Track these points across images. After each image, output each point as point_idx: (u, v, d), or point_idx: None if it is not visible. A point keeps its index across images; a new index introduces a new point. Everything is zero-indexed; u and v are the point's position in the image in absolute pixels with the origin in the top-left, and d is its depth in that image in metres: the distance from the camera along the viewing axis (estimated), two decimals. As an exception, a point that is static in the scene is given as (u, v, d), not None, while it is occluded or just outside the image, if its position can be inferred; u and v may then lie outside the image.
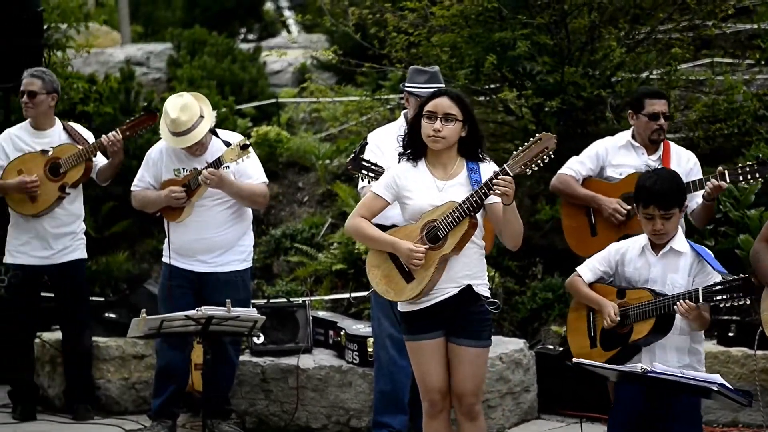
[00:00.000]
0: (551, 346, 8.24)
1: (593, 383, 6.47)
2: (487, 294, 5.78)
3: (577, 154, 7.56)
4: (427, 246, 5.65)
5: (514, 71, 9.07)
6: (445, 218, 5.62)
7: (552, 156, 5.51)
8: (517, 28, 8.75)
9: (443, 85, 7.03)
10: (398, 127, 7.24)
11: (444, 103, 5.70)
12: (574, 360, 5.76)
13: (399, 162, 5.90)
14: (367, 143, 7.18)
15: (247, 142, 7.35)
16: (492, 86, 9.41)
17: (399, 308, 5.85)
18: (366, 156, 7.08)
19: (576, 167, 7.51)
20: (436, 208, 5.68)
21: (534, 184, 9.21)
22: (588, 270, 6.19)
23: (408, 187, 5.78)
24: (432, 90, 6.83)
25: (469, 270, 5.72)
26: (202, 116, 7.45)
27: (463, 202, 5.59)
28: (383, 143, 7.15)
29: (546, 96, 8.79)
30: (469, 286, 5.71)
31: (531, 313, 8.76)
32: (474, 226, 5.64)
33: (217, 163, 7.37)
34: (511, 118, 9.43)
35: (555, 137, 5.51)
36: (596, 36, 9.06)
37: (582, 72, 8.86)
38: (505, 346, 7.90)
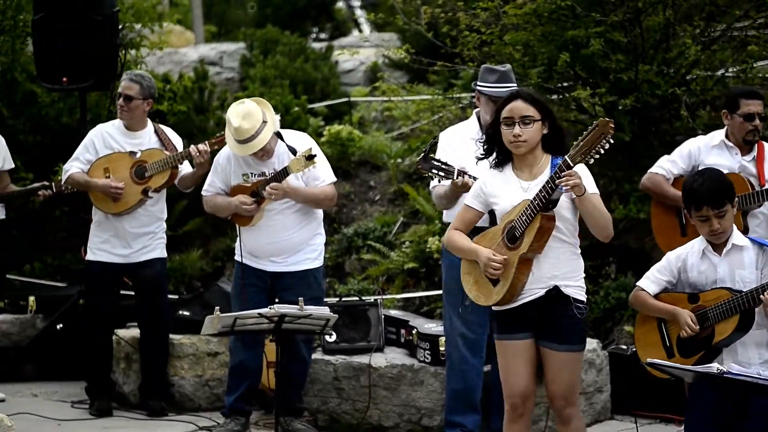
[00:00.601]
0: (624, 346, 8.17)
1: (668, 384, 6.41)
2: (579, 296, 5.70)
3: (652, 153, 7.49)
4: (504, 257, 5.63)
5: (587, 69, 9.00)
6: (519, 217, 5.59)
7: (611, 141, 5.45)
8: (590, 25, 8.69)
9: (514, 84, 6.99)
10: (470, 126, 7.23)
11: (519, 106, 5.65)
12: (648, 360, 5.71)
13: (477, 164, 5.88)
14: (436, 142, 7.18)
15: (313, 153, 7.34)
16: (565, 84, 9.35)
17: (492, 307, 5.82)
18: (438, 155, 7.08)
19: (667, 166, 7.42)
20: (513, 208, 5.65)
21: (606, 183, 9.15)
22: (650, 282, 6.09)
23: (494, 192, 5.75)
24: (502, 89, 6.86)
25: (558, 270, 5.64)
26: (264, 121, 7.42)
27: (534, 198, 5.55)
28: (455, 142, 7.14)
29: (620, 94, 8.71)
30: (556, 287, 5.64)
31: (604, 313, 8.70)
32: (549, 222, 5.56)
33: (283, 173, 7.38)
34: (585, 117, 9.36)
35: (611, 122, 5.43)
36: (671, 33, 8.97)
37: (656, 70, 8.78)
38: (578, 346, 7.84)
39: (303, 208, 7.61)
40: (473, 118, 7.24)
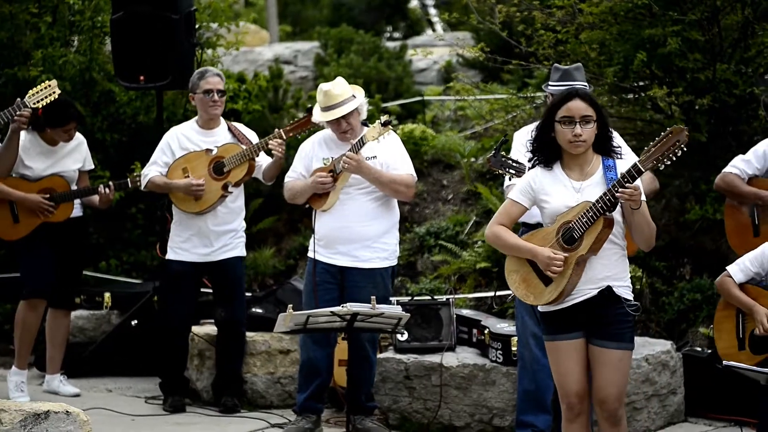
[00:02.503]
0: (699, 348, 8.09)
1: (743, 386, 6.34)
2: (629, 296, 5.67)
3: (729, 154, 7.41)
4: (565, 255, 5.60)
5: (664, 68, 8.93)
6: (579, 219, 5.54)
7: (684, 149, 5.40)
8: (667, 24, 8.60)
9: (577, 82, 6.97)
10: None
11: (579, 106, 5.60)
12: (724, 363, 5.65)
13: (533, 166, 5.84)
14: (507, 140, 7.17)
15: (389, 119, 7.38)
16: (641, 84, 9.28)
17: (539, 309, 5.80)
18: (511, 154, 7.07)
19: (741, 166, 7.33)
20: (570, 209, 5.60)
21: (683, 184, 9.07)
22: (739, 270, 6.05)
23: (544, 190, 5.71)
24: (563, 88, 6.86)
25: (609, 271, 5.62)
26: (354, 96, 7.57)
27: (597, 201, 5.50)
28: (527, 141, 7.11)
29: (697, 94, 8.63)
30: (609, 288, 5.62)
31: (678, 314, 8.62)
32: (610, 226, 5.54)
33: (360, 143, 7.42)
34: (661, 116, 9.28)
35: (686, 129, 5.39)
36: (750, 32, 8.86)
37: (734, 69, 8.68)
38: (651, 347, 7.78)
39: (379, 199, 7.61)
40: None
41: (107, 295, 9.81)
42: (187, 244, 8.38)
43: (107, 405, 8.41)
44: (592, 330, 5.66)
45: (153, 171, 8.42)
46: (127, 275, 10.68)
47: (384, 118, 7.37)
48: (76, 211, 8.74)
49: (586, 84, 7.06)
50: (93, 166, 9.06)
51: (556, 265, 5.58)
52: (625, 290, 5.67)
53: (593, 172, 5.65)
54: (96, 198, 8.75)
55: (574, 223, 5.56)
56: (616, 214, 5.60)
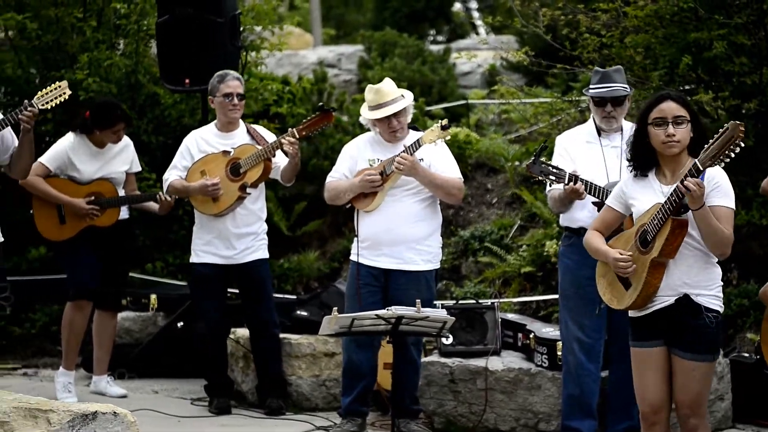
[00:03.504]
0: (746, 354, 8.03)
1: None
2: (712, 305, 5.57)
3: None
4: (630, 254, 5.56)
5: (710, 72, 8.87)
6: (652, 221, 5.50)
7: (742, 145, 5.35)
8: (713, 28, 8.55)
9: (617, 85, 6.97)
10: (586, 129, 7.19)
11: (671, 107, 5.54)
12: None
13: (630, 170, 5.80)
14: (546, 146, 7.15)
15: (448, 123, 7.39)
16: (687, 88, 9.22)
17: (629, 314, 5.75)
18: (554, 158, 7.05)
19: None
20: (646, 212, 5.56)
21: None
22: None
23: (633, 194, 5.68)
24: (602, 89, 6.87)
25: (689, 279, 5.53)
26: (403, 96, 7.59)
27: (665, 202, 5.46)
28: (571, 146, 7.10)
29: (743, 98, 8.56)
30: (686, 296, 5.53)
31: (726, 320, 8.55)
32: (681, 227, 5.44)
33: (416, 145, 7.42)
34: (707, 121, 9.22)
35: (741, 125, 5.32)
36: (797, 36, 8.80)
37: (781, 73, 8.62)
38: (698, 353, 7.72)
39: (425, 201, 7.62)
40: (590, 121, 7.20)
41: (153, 297, 9.88)
42: (208, 246, 8.41)
43: (153, 406, 8.46)
44: (671, 338, 5.59)
45: (173, 175, 8.48)
46: (173, 277, 10.74)
47: (443, 121, 7.38)
48: (123, 213, 8.80)
49: (626, 86, 7.04)
50: (140, 169, 9.12)
51: (621, 267, 5.56)
52: (707, 299, 5.56)
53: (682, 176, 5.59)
54: (152, 204, 8.78)
55: (648, 225, 5.52)
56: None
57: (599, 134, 7.09)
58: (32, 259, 10.86)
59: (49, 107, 7.59)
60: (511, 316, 8.48)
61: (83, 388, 9.02)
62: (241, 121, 8.53)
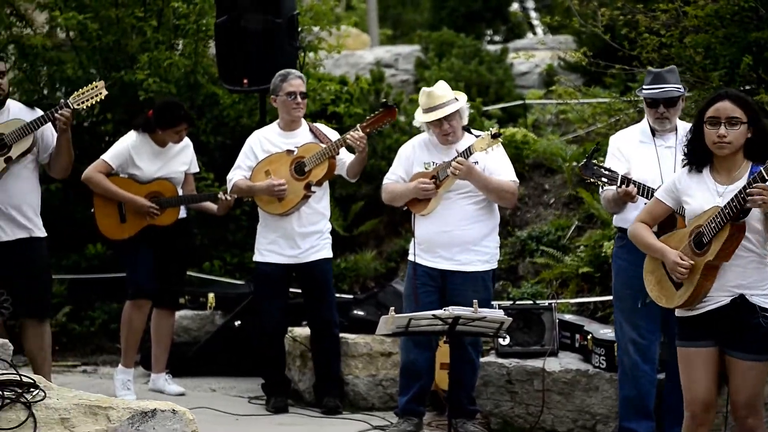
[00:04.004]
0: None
1: None
2: (767, 305, 5.53)
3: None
4: (691, 261, 5.53)
5: (771, 72, 8.79)
6: (709, 224, 5.46)
7: None
8: (775, 27, 8.48)
9: (669, 85, 6.92)
10: (639, 129, 7.14)
11: (726, 107, 5.51)
12: None
13: (683, 167, 5.78)
14: (599, 148, 7.12)
15: (499, 131, 7.38)
16: (747, 88, 9.13)
17: (676, 313, 5.73)
18: (606, 159, 7.01)
19: None
20: (703, 213, 5.53)
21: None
22: None
23: (688, 191, 5.65)
24: (653, 90, 6.82)
25: (744, 280, 5.49)
26: (456, 99, 7.59)
27: (725, 206, 5.41)
28: (625, 146, 7.06)
29: (805, 98, 8.48)
30: (742, 296, 5.50)
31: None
32: (739, 231, 5.42)
33: (467, 152, 7.42)
34: (768, 121, 9.14)
35: None
36: None
37: (844, 73, 8.52)
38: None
39: (480, 202, 7.61)
40: (644, 120, 7.16)
41: (211, 295, 9.93)
42: (273, 246, 8.44)
43: (211, 404, 8.51)
44: (725, 339, 5.56)
45: (237, 175, 8.51)
46: (231, 276, 10.79)
47: (494, 129, 7.39)
48: (181, 212, 8.85)
49: (679, 86, 6.98)
50: (198, 169, 9.17)
51: (680, 271, 5.53)
52: (762, 299, 5.51)
53: (739, 178, 5.54)
54: (210, 204, 8.84)
55: (705, 227, 5.48)
56: (755, 222, 5.49)
57: (653, 134, 7.05)
58: (91, 257, 10.96)
59: (84, 107, 7.66)
60: (568, 317, 8.44)
61: (141, 385, 9.09)
62: (303, 119, 8.56)
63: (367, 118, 8.29)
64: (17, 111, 7.67)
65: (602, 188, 6.98)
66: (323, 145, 8.31)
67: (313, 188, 8.35)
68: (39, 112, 7.65)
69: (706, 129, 5.55)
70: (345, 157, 8.41)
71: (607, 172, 6.79)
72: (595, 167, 6.83)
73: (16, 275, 7.59)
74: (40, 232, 7.70)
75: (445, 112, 7.52)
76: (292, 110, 8.41)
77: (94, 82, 7.71)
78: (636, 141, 7.05)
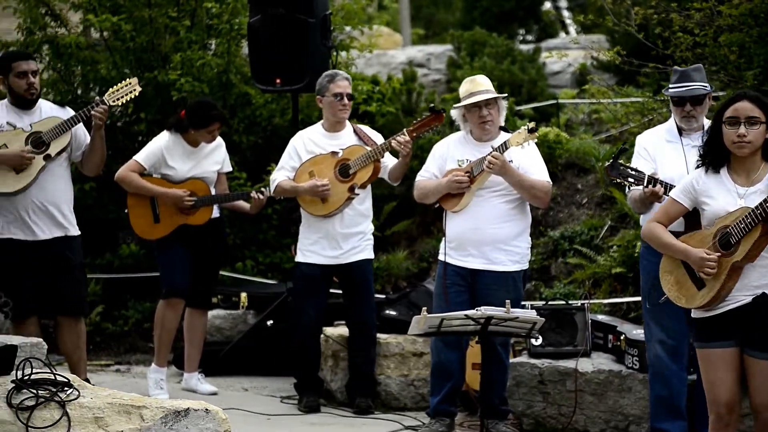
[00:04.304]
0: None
1: None
2: None
3: None
4: (718, 254, 5.51)
5: (806, 72, 8.74)
6: (737, 224, 5.44)
7: None
8: (811, 26, 8.43)
9: (696, 84, 6.88)
10: (666, 128, 7.11)
11: (745, 107, 5.50)
12: None
13: (697, 168, 5.76)
14: (626, 148, 7.09)
15: (535, 126, 7.37)
16: (781, 87, 9.09)
17: (692, 314, 5.72)
18: (633, 158, 6.98)
19: None
20: (729, 214, 5.51)
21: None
22: None
23: (708, 192, 5.63)
24: (679, 89, 6.80)
25: (766, 279, 5.49)
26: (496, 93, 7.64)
27: (756, 208, 5.38)
28: (651, 145, 7.03)
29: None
30: (764, 295, 5.48)
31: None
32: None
33: (503, 146, 7.40)
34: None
35: None
36: None
37: None
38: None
39: (513, 201, 7.59)
40: (671, 120, 7.13)
41: (243, 295, 9.96)
42: (315, 246, 8.45)
43: (243, 403, 8.53)
44: (745, 338, 5.54)
45: (281, 176, 8.51)
46: (263, 276, 10.81)
47: (530, 124, 7.37)
48: (214, 212, 8.88)
49: (706, 84, 6.94)
50: (231, 169, 9.19)
51: (710, 266, 5.50)
52: None
53: (760, 179, 5.54)
54: (242, 203, 8.87)
55: (732, 228, 5.46)
56: None
57: (680, 133, 7.01)
58: (125, 257, 11.01)
59: (119, 104, 7.72)
60: (601, 318, 8.41)
61: (174, 384, 9.11)
62: (347, 121, 8.57)
63: (414, 122, 8.28)
64: (49, 110, 7.75)
65: (629, 188, 6.95)
66: (368, 148, 8.31)
67: (357, 191, 8.35)
68: (70, 111, 7.71)
69: (725, 129, 5.54)
70: (388, 161, 8.41)
71: (633, 173, 6.76)
72: (622, 167, 6.81)
73: (51, 273, 7.65)
74: (75, 231, 7.78)
75: (485, 96, 7.53)
76: (338, 111, 8.41)
77: (127, 79, 7.76)
78: (663, 140, 7.02)
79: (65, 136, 7.58)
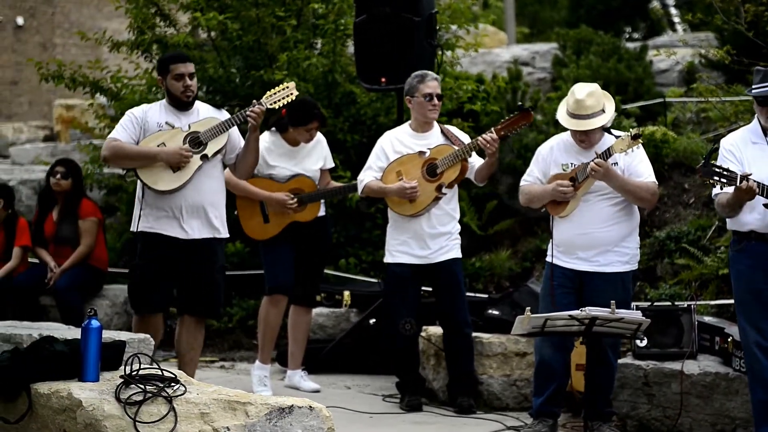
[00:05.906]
0: None
1: None
2: None
3: None
4: None
5: None
6: None
7: None
8: None
9: None
10: (751, 128, 6.98)
11: None
12: None
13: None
14: (717, 148, 6.98)
15: (639, 132, 7.29)
16: None
17: None
18: (718, 160, 6.86)
19: None
20: None
21: None
22: None
23: None
24: (762, 89, 6.65)
25: None
26: (603, 111, 7.46)
27: None
28: (736, 148, 6.91)
29: None
30: None
31: None
32: None
33: (607, 153, 7.34)
34: None
35: None
36: None
37: None
38: None
39: (619, 203, 7.53)
40: (755, 121, 7.00)
41: (347, 293, 10.01)
42: (403, 246, 8.46)
43: (345, 401, 8.57)
44: None
45: (369, 176, 8.53)
46: (366, 274, 10.85)
47: (634, 130, 7.30)
48: (320, 210, 8.94)
49: None
50: (333, 164, 9.22)
51: None
52: None
53: None
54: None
55: None
56: None
57: (765, 134, 6.89)
58: (230, 254, 11.13)
59: (276, 107, 7.78)
60: (708, 319, 8.29)
61: (277, 381, 9.19)
62: (435, 121, 8.56)
63: (502, 120, 8.25)
64: (206, 111, 7.83)
65: (717, 190, 6.84)
66: (455, 147, 8.30)
67: (444, 190, 8.35)
68: (226, 114, 7.80)
69: None
70: (475, 161, 8.39)
71: (726, 172, 6.66)
72: (713, 167, 6.71)
73: (194, 273, 7.69)
74: (224, 233, 7.80)
75: (587, 126, 7.43)
76: (428, 112, 8.42)
77: (285, 83, 7.84)
78: (748, 142, 6.91)
79: (222, 137, 7.65)
